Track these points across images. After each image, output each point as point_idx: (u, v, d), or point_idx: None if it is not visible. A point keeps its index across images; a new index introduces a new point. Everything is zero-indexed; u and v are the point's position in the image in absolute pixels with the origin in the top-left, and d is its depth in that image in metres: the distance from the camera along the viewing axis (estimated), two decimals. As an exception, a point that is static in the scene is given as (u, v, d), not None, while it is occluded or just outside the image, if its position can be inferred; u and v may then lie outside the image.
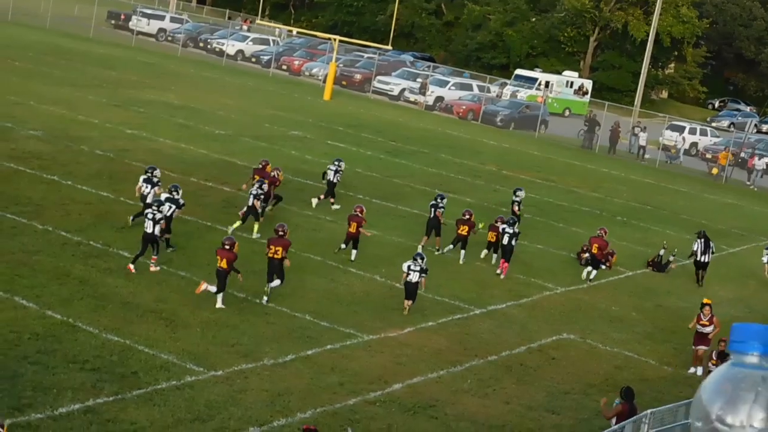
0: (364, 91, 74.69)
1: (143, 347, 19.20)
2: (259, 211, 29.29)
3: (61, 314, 20.08)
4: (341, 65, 76.26)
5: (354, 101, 67.46)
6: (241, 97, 58.19)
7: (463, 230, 30.30)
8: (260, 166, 32.92)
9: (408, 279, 24.49)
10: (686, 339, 25.32)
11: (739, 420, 3.12)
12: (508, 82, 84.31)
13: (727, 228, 41.65)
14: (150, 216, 24.46)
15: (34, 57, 59.72)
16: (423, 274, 24.62)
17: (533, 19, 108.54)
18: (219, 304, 22.58)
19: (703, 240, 32.79)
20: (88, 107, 44.92)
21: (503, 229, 29.88)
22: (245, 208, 29.29)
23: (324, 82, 69.63)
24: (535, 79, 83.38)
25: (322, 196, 34.01)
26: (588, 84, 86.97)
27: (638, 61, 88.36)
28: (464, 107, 70.07)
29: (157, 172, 28.53)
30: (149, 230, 24.31)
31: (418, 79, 76.10)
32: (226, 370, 18.93)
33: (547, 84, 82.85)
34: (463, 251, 30.24)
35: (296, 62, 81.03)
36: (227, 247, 22.97)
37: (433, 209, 31.37)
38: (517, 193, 35.47)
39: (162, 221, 24.57)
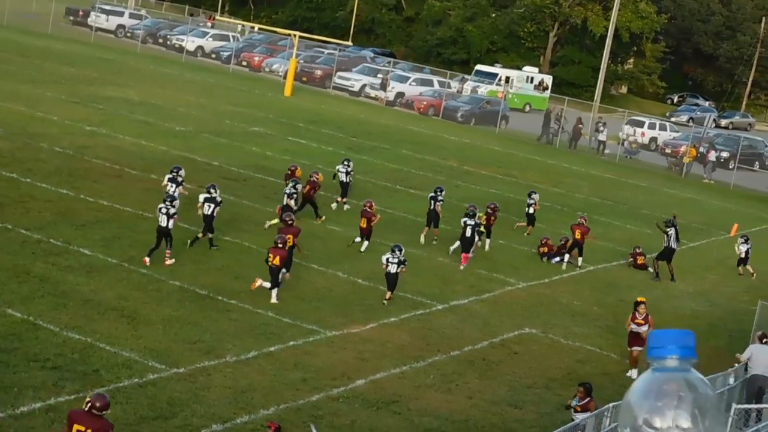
0: (325, 87, 74.63)
1: (105, 345, 19.10)
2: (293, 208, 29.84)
3: (22, 312, 19.94)
4: (301, 61, 76.15)
5: (315, 97, 67.37)
6: (202, 94, 57.99)
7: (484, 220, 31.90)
8: (289, 171, 32.97)
9: (387, 270, 24.96)
10: (647, 333, 25.44)
11: (666, 423, 3.20)
12: (468, 77, 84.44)
13: (687, 222, 41.86)
14: (164, 211, 24.91)
15: (-9, 54, 59.27)
16: (402, 266, 25.05)
17: (493, 15, 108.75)
18: (273, 299, 23.49)
19: (674, 228, 33.14)
20: (47, 104, 44.63)
21: (465, 221, 30.08)
22: (281, 207, 30.02)
23: (284, 78, 69.52)
24: (496, 75, 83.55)
25: (339, 199, 34.51)
26: (548, 79, 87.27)
27: (598, 57, 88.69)
28: (425, 103, 70.15)
29: (182, 172, 29.62)
30: (163, 224, 24.83)
31: (379, 75, 76.10)
32: (189, 367, 18.87)
33: (507, 79, 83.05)
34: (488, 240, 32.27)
35: (256, 58, 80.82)
36: (280, 245, 24.02)
37: (432, 201, 32.30)
38: (532, 196, 36.00)
39: (175, 215, 25.07)
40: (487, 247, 32.22)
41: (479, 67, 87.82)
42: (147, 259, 24.56)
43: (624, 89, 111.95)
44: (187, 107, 51.29)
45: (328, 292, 25.14)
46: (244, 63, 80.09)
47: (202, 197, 27.47)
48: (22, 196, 28.75)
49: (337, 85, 74.63)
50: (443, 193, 32.78)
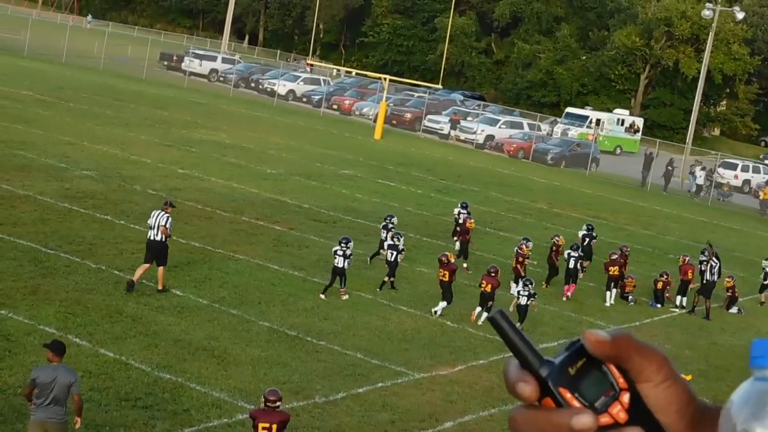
0: (415, 130, 74.87)
1: (195, 384, 19.26)
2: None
3: (114, 352, 20.20)
4: (391, 104, 76.52)
5: (404, 140, 67.64)
6: (292, 137, 58.50)
7: (614, 271, 31.90)
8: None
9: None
10: (741, 377, 24.85)
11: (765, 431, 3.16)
12: (558, 120, 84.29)
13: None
14: (340, 252, 26.82)
15: (87, 98, 60.38)
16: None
17: (583, 57, 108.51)
18: (438, 312, 26.57)
19: (715, 257, 32.96)
20: (140, 147, 45.33)
21: (568, 253, 31.55)
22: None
23: (374, 121, 69.89)
24: (586, 117, 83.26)
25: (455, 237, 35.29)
26: (639, 122, 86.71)
27: (689, 99, 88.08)
28: (515, 145, 70.09)
29: (395, 220, 32.27)
30: (339, 265, 26.78)
31: (469, 118, 76.20)
32: (277, 407, 18.95)
33: (597, 122, 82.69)
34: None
35: (347, 102, 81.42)
36: (444, 261, 26.95)
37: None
38: (592, 233, 36.64)
39: (351, 256, 27.18)
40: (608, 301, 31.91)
41: (569, 109, 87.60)
42: (322, 296, 26.55)
43: (716, 131, 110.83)
44: (277, 150, 51.76)
45: (416, 334, 25.14)
46: (335, 106, 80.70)
47: (386, 244, 30.06)
48: (115, 237, 29.18)
49: (426, 128, 74.86)
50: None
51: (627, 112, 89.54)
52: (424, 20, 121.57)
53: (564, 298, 30.85)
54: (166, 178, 39.22)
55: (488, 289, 26.70)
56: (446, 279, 26.81)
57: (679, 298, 32.95)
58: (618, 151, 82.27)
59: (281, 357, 21.71)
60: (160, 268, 24.89)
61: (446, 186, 48.61)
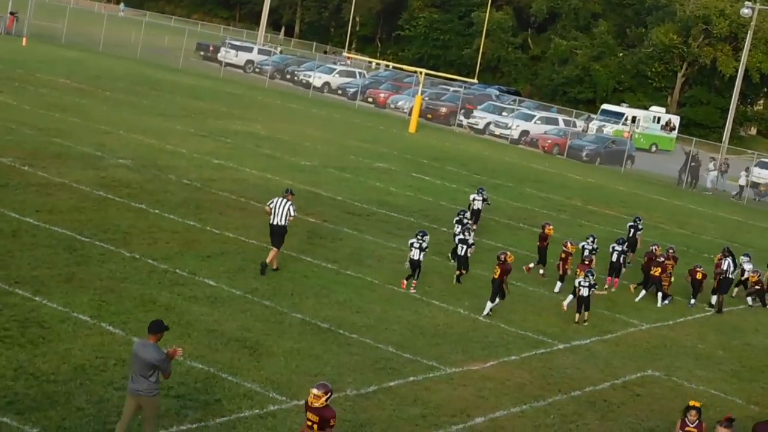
0: (450, 125, 74.77)
1: (227, 375, 19.29)
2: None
3: (147, 341, 20.23)
4: (427, 98, 76.43)
5: (439, 134, 67.55)
6: (327, 129, 58.54)
7: (656, 272, 31.81)
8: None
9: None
10: (774, 378, 24.92)
11: None
12: (594, 116, 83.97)
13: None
14: (416, 245, 27.61)
15: (124, 87, 60.63)
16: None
17: (620, 54, 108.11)
18: (486, 311, 26.63)
19: (731, 257, 32.94)
20: (176, 137, 45.47)
21: (612, 247, 32.67)
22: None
23: (409, 114, 69.84)
24: (622, 114, 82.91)
25: (474, 227, 35.15)
26: (675, 119, 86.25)
27: (726, 97, 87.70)
28: (549, 141, 69.92)
29: (468, 214, 32.83)
30: (415, 257, 27.60)
31: (504, 113, 76.00)
32: (309, 399, 18.93)
33: (633, 119, 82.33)
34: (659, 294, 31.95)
35: (382, 95, 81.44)
36: (501, 260, 27.01)
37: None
38: (641, 223, 37.53)
39: (427, 249, 27.94)
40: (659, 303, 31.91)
41: (605, 106, 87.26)
42: (405, 282, 27.78)
43: (753, 130, 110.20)
44: (312, 142, 51.80)
45: (448, 329, 25.09)
46: (370, 99, 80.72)
47: (455, 219, 31.42)
48: (150, 226, 29.26)
49: (461, 123, 74.73)
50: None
51: (663, 109, 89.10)
52: (460, 14, 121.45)
53: (605, 287, 31.32)
54: (201, 168, 39.31)
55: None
56: (497, 276, 26.75)
57: (714, 297, 32.82)
58: (653, 148, 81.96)
59: (313, 349, 21.72)
60: (275, 250, 27.04)
61: (480, 181, 48.49)
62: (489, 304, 26.65)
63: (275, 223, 27.20)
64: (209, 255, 27.35)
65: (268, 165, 42.63)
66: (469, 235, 29.97)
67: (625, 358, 25.59)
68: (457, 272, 29.51)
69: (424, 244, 27.68)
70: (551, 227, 32.54)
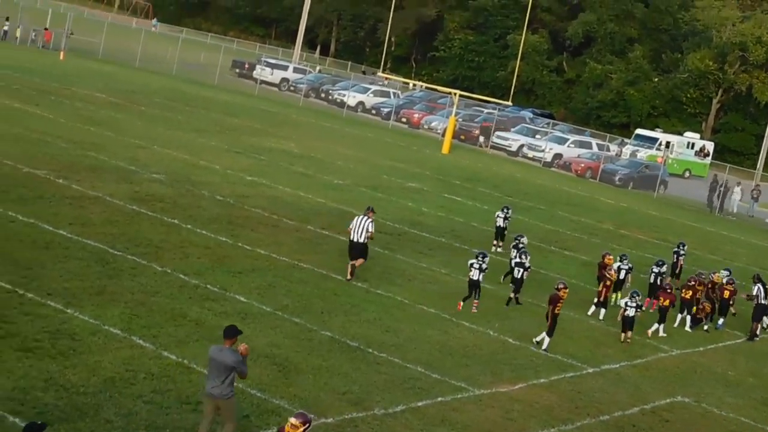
0: (483, 146, 74.79)
1: (255, 391, 19.33)
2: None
3: (177, 355, 20.32)
4: (460, 119, 76.50)
5: (472, 155, 67.55)
6: (360, 148, 58.65)
7: (687, 294, 31.97)
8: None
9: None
10: (804, 407, 24.73)
11: None
12: (628, 141, 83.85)
13: None
14: (476, 266, 27.92)
15: (159, 102, 60.97)
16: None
17: (655, 79, 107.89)
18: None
19: (760, 284, 32.70)
20: (209, 153, 45.65)
21: (651, 269, 33.55)
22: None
23: (443, 135, 69.91)
24: (656, 139, 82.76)
25: (495, 242, 36.87)
26: (709, 146, 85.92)
27: (762, 124, 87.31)
28: (583, 165, 69.82)
29: (524, 240, 32.74)
30: (474, 277, 27.91)
31: (538, 136, 76.00)
32: (337, 417, 18.96)
33: (667, 144, 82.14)
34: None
35: (416, 115, 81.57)
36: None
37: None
38: (684, 249, 37.87)
39: (486, 269, 28.25)
40: (687, 325, 31.99)
41: (639, 131, 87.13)
42: (462, 303, 27.98)
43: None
44: (345, 161, 51.90)
45: (477, 350, 25.06)
46: (404, 120, 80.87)
47: (513, 262, 30.60)
48: (182, 241, 29.38)
49: (494, 144, 74.75)
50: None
51: (698, 135, 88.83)
52: (496, 37, 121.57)
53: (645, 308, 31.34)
54: (234, 184, 39.45)
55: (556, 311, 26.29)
56: (557, 312, 26.14)
57: (721, 320, 32.94)
58: (687, 174, 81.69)
59: (342, 367, 21.74)
60: (360, 260, 28.58)
61: (513, 203, 48.45)
62: (547, 339, 26.28)
63: (354, 239, 28.41)
64: (240, 271, 27.42)
65: (301, 183, 42.74)
66: (526, 258, 30.25)
67: (655, 383, 25.49)
68: (514, 295, 29.78)
69: (484, 265, 28.02)
70: (611, 257, 32.32)
